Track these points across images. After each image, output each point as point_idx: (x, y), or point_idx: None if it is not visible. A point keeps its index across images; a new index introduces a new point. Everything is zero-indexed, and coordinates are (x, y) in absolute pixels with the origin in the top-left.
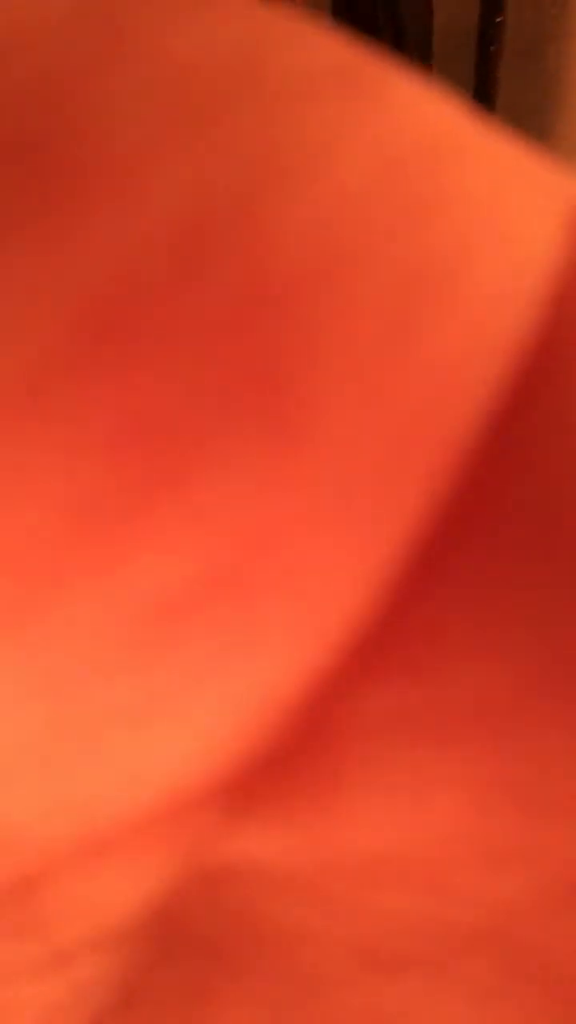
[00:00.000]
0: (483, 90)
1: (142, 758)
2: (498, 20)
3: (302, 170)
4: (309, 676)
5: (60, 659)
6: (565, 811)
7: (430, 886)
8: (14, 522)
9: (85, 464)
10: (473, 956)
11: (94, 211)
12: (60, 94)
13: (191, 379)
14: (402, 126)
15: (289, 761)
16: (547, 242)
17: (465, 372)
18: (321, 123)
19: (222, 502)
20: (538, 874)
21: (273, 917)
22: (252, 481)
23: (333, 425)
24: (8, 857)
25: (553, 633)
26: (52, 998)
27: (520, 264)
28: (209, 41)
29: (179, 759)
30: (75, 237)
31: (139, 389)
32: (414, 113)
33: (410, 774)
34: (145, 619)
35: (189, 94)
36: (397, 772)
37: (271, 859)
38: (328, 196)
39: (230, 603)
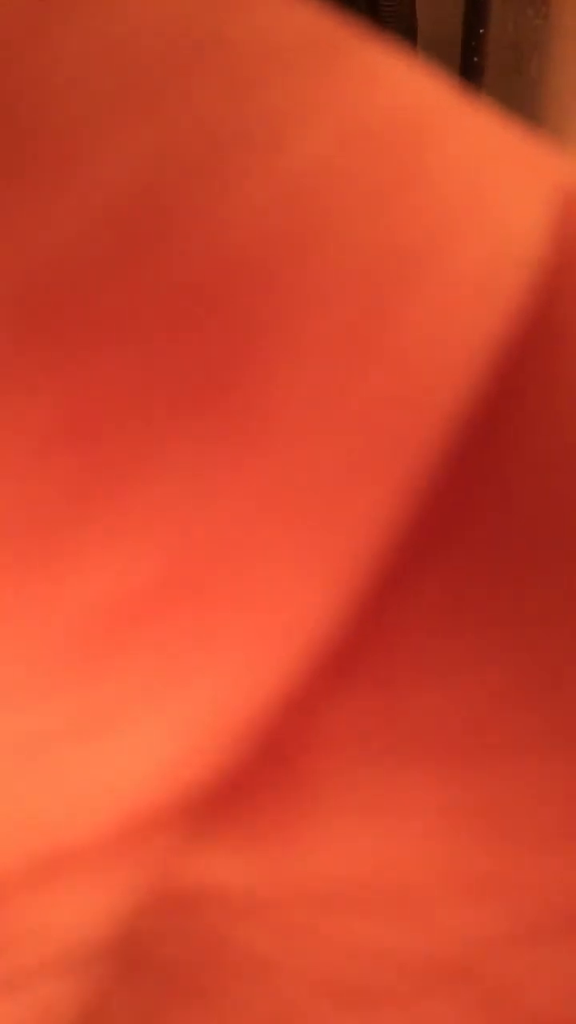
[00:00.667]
0: None
1: (93, 777)
2: (481, 32)
3: (263, 142)
4: (270, 692)
5: (4, 669)
6: (541, 838)
7: (400, 916)
8: None
9: (16, 467)
10: (446, 993)
11: (30, 182)
12: None
13: (136, 373)
14: (376, 97)
15: (251, 781)
16: (532, 224)
17: (441, 365)
18: (285, 92)
19: (171, 507)
20: (514, 906)
21: (237, 944)
22: (204, 484)
23: (293, 422)
24: None
25: (530, 647)
26: (11, 1021)
27: (503, 248)
28: (166, 7)
29: (134, 778)
30: (7, 212)
31: (78, 384)
32: (390, 84)
33: (378, 796)
34: (89, 631)
35: (142, 58)
36: (364, 794)
37: (235, 883)
38: (290, 170)
39: (182, 615)
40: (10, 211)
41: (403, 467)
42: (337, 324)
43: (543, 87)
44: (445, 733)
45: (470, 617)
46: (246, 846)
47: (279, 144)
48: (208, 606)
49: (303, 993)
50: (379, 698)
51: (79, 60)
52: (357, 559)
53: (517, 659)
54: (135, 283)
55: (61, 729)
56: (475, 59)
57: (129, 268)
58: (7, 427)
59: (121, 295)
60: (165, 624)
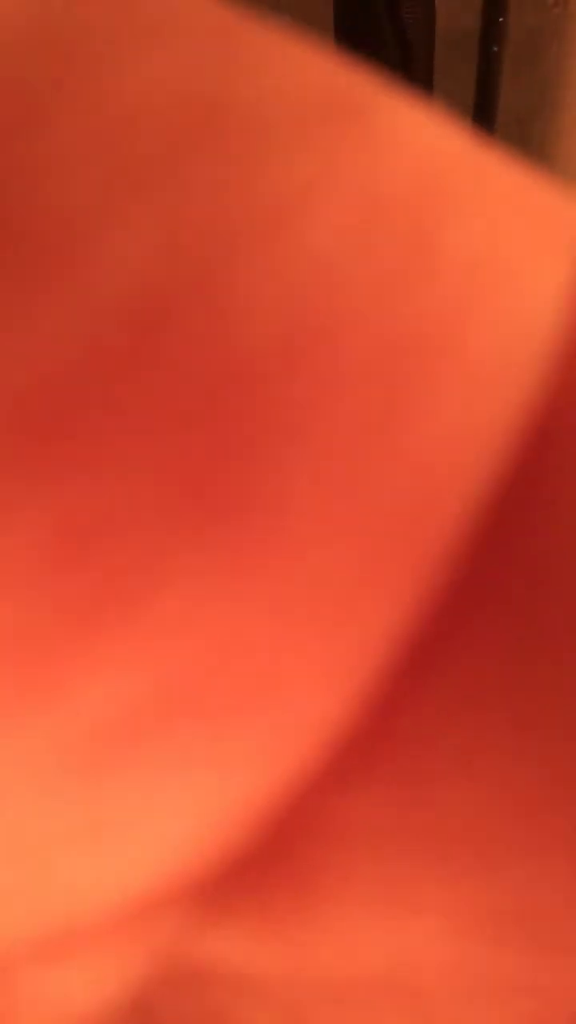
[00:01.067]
0: (485, 91)
1: (101, 868)
2: (500, 21)
3: (273, 227)
4: (280, 785)
5: (5, 786)
6: (551, 943)
7: (412, 1015)
8: None
9: (16, 582)
10: None
11: (26, 287)
12: None
13: (143, 479)
14: (392, 164)
15: (262, 867)
16: (554, 287)
17: (458, 459)
18: (295, 165)
19: (179, 617)
20: (526, 1011)
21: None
22: (214, 591)
23: (306, 523)
24: None
25: (550, 745)
26: None
27: (524, 323)
28: (170, 74)
29: (142, 868)
30: (15, 312)
31: (81, 492)
32: (406, 147)
33: (389, 893)
34: (92, 745)
35: (141, 140)
36: (372, 888)
37: (245, 965)
38: (303, 259)
39: (189, 723)
40: (17, 304)
41: (417, 565)
42: (351, 423)
43: (562, 76)
44: (458, 831)
45: (492, 716)
46: (256, 929)
47: (287, 230)
48: (217, 712)
49: None
50: (392, 792)
51: (74, 148)
52: (370, 657)
53: (536, 757)
54: (139, 389)
55: (66, 840)
56: (494, 48)
57: (132, 373)
58: (6, 537)
59: (125, 402)
60: (171, 732)
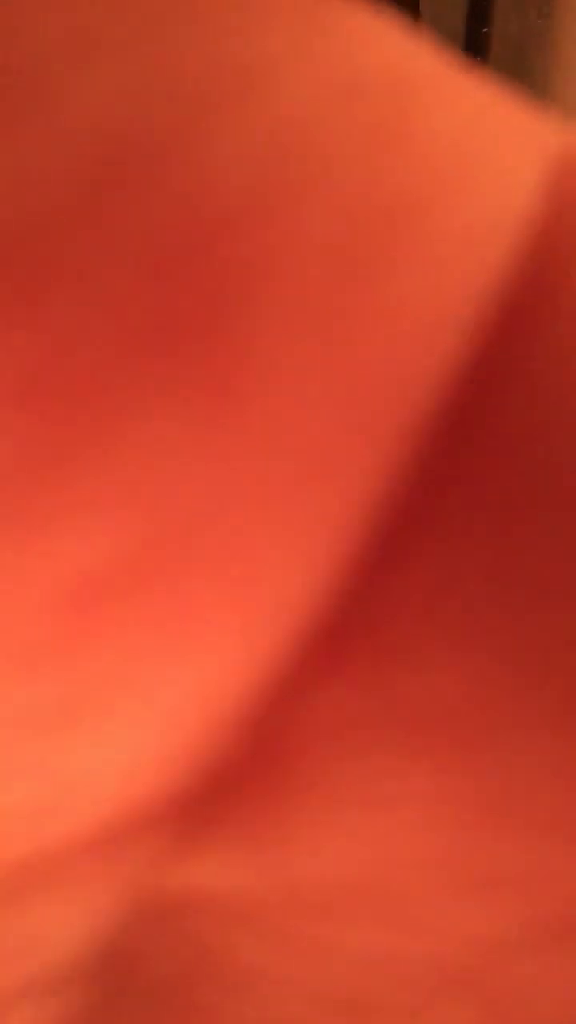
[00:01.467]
0: None
1: (73, 768)
2: (484, 30)
3: (245, 94)
4: (256, 676)
5: None
6: (543, 829)
7: (397, 920)
8: None
9: None
10: (449, 1001)
11: (10, 117)
12: None
13: (111, 325)
14: (366, 56)
15: (241, 776)
16: (523, 188)
17: (428, 323)
18: (276, 41)
19: (151, 468)
20: (517, 904)
21: (228, 955)
22: (187, 444)
23: (279, 379)
24: None
25: (522, 628)
26: None
27: (493, 209)
28: None
29: (115, 771)
30: None
31: (48, 337)
32: (380, 45)
33: (371, 787)
34: (61, 607)
35: (115, 12)
36: (357, 785)
37: (225, 889)
38: (276, 120)
39: (162, 588)
40: None
41: (389, 436)
42: (321, 281)
43: (546, 86)
44: (438, 717)
45: (461, 598)
46: (235, 849)
47: (266, 93)
48: (191, 578)
49: (297, 1005)
50: (369, 683)
51: (61, 6)
52: (343, 536)
53: (509, 640)
54: (108, 229)
55: (36, 716)
56: (478, 58)
57: (103, 213)
58: None
59: (93, 242)
60: (145, 598)
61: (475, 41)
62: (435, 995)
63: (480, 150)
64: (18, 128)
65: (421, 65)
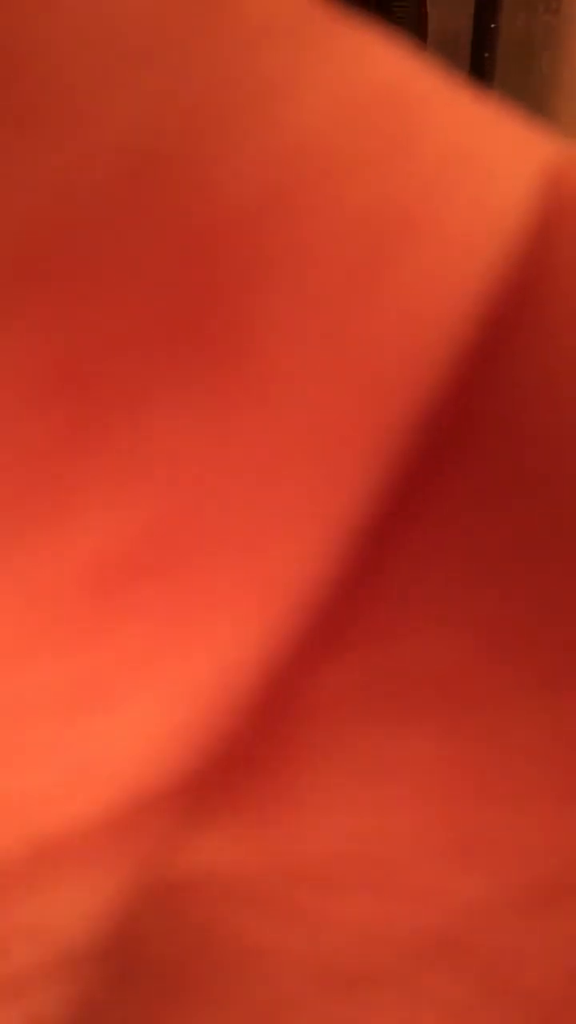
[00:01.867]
0: None
1: (85, 750)
2: (492, 27)
3: (254, 108)
4: (269, 652)
5: None
6: (535, 793)
7: (392, 890)
8: None
9: (7, 409)
10: (445, 969)
11: (33, 132)
12: None
13: (131, 318)
14: (365, 74)
15: (248, 756)
16: (520, 197)
17: (432, 314)
18: (279, 61)
19: (166, 450)
20: (509, 871)
21: (230, 933)
22: (201, 425)
23: (292, 364)
24: None
25: (520, 597)
26: None
27: (490, 217)
28: None
29: (127, 754)
30: (11, 156)
31: (72, 327)
32: (378, 63)
33: (374, 756)
34: (80, 588)
35: (135, 35)
36: (360, 755)
37: (229, 868)
38: (284, 133)
39: (178, 567)
40: (14, 156)
41: (395, 416)
42: (333, 275)
43: (554, 82)
44: (433, 690)
45: (466, 565)
46: (238, 827)
47: (274, 108)
48: (206, 555)
49: (301, 980)
50: (372, 653)
51: (76, 33)
52: (360, 505)
53: (509, 609)
54: (135, 229)
55: (53, 697)
56: (485, 55)
57: (129, 215)
58: (1, 371)
59: (120, 240)
60: (156, 581)
61: (483, 37)
62: (430, 962)
63: (478, 161)
64: (54, 139)
65: (420, 81)
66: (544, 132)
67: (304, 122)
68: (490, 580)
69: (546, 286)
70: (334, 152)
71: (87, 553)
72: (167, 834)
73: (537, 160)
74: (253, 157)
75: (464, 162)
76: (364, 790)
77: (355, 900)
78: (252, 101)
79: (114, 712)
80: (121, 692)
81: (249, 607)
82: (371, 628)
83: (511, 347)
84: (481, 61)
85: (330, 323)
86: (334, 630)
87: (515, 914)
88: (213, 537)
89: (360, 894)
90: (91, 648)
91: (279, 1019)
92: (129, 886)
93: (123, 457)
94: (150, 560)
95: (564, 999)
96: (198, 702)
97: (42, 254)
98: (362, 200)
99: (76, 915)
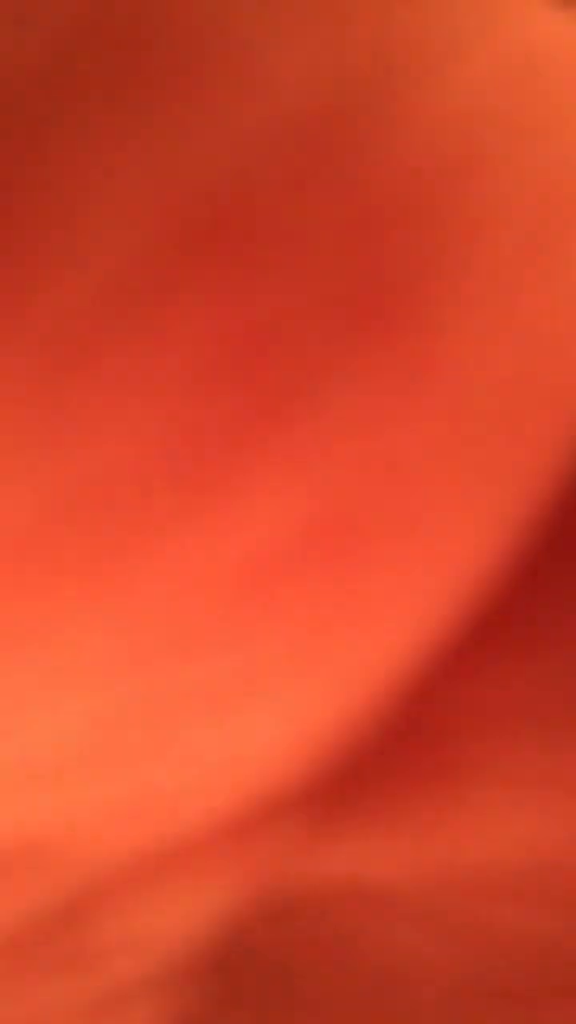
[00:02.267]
0: None
1: (224, 748)
2: None
3: (436, 64)
4: (426, 652)
5: (147, 629)
6: None
7: (557, 900)
8: (91, 460)
9: (172, 393)
10: None
11: (210, 102)
12: None
13: (306, 287)
14: (531, 35)
15: (397, 756)
16: None
17: None
18: (441, 26)
19: (327, 445)
20: None
21: (368, 943)
22: (372, 410)
23: (465, 349)
24: (59, 872)
25: None
26: None
27: None
28: None
29: (270, 750)
30: (188, 129)
31: (241, 299)
32: (544, 25)
33: (532, 771)
34: (243, 580)
35: None
36: (520, 766)
37: (369, 875)
38: (454, 97)
39: (341, 560)
40: (191, 128)
41: (564, 414)
42: (510, 248)
43: None
44: None
45: None
46: (385, 830)
47: (445, 71)
48: (360, 556)
49: (451, 994)
50: (541, 662)
51: None
52: (514, 515)
53: None
54: (310, 204)
55: (201, 695)
56: None
57: (305, 189)
58: (161, 347)
59: (294, 216)
60: (315, 576)
61: None
62: None
63: None
64: (231, 107)
65: None
66: None
67: (474, 86)
68: None
69: None
70: (515, 110)
71: (245, 546)
72: (297, 838)
73: None
74: (426, 124)
75: None
76: (522, 801)
77: (515, 911)
78: (424, 64)
79: (262, 711)
80: (267, 691)
81: (406, 609)
82: (535, 639)
83: None
84: None
85: (506, 301)
86: (493, 639)
87: None
88: (382, 525)
89: (521, 905)
90: (244, 644)
91: None
92: (247, 892)
93: (295, 447)
94: (310, 551)
95: None
96: (349, 697)
97: (210, 229)
98: (540, 166)
99: (185, 928)
